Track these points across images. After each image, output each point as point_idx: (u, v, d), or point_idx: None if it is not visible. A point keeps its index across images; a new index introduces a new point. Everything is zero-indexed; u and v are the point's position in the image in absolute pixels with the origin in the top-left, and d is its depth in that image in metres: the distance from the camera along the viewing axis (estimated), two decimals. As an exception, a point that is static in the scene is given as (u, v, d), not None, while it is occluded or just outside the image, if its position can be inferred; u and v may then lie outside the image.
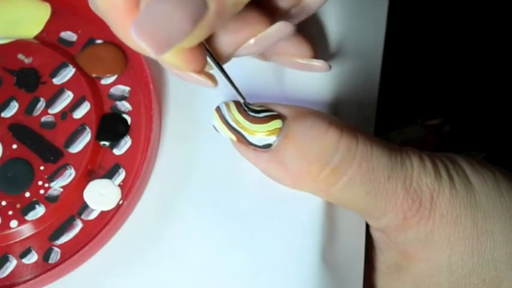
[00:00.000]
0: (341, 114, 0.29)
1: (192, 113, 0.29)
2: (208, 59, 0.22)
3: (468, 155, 0.26)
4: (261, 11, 0.24)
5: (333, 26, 0.31)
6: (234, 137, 0.25)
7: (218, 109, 0.26)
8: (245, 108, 0.25)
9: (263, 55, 0.29)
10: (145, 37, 0.18)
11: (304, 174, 0.25)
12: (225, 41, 0.23)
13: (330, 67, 0.28)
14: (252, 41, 0.23)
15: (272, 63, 0.29)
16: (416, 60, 0.49)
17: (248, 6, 0.21)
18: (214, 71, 0.23)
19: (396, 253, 0.26)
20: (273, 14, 0.25)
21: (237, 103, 0.26)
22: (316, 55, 0.28)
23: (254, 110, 0.25)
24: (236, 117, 0.25)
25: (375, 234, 0.27)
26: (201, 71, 0.22)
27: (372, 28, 0.32)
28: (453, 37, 0.51)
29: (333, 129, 0.24)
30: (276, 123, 0.25)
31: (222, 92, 0.29)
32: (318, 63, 0.28)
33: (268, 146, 0.25)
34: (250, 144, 0.25)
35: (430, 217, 0.24)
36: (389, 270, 0.27)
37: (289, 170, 0.25)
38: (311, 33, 0.30)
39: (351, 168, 0.24)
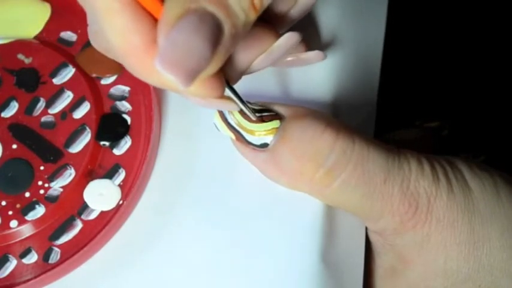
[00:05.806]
0: (341, 115, 0.29)
1: (192, 113, 0.29)
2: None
3: (467, 158, 0.26)
4: (267, 25, 0.24)
5: (333, 27, 0.31)
6: (233, 136, 0.26)
7: None
8: None
9: None
10: (172, 68, 0.18)
11: (299, 175, 0.25)
12: (237, 61, 0.23)
13: (326, 56, 0.28)
14: (263, 56, 0.23)
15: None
16: (415, 62, 0.49)
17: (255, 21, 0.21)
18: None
19: (393, 256, 0.26)
20: (275, 21, 0.25)
21: None
22: (309, 47, 0.28)
23: (253, 109, 0.25)
24: (236, 116, 0.25)
25: (373, 237, 0.27)
26: (222, 96, 0.22)
27: (372, 29, 0.32)
28: (452, 39, 0.51)
29: (329, 130, 0.24)
30: (274, 123, 0.25)
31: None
32: (312, 53, 0.28)
33: (266, 145, 0.25)
34: (249, 143, 0.25)
35: (426, 221, 0.24)
36: (385, 274, 0.27)
37: (284, 170, 0.25)
38: (310, 34, 0.30)
39: (346, 171, 0.24)
